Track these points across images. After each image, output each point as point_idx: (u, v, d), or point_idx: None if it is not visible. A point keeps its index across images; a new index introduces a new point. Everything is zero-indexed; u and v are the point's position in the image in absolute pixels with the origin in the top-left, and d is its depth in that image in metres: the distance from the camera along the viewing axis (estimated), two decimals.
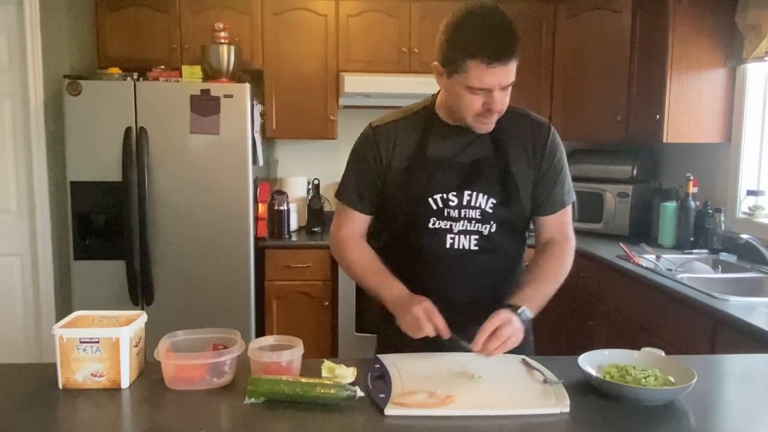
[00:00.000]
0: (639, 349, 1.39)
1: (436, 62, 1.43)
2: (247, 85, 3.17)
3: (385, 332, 1.66)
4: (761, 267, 2.64)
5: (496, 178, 1.51)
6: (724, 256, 2.89)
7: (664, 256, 2.93)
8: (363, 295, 3.44)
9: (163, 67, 3.34)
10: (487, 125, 1.45)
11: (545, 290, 1.50)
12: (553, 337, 3.19)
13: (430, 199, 1.51)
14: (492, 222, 1.52)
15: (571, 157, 3.43)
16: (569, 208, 1.62)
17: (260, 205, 3.42)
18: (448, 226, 1.52)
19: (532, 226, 1.64)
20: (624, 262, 2.83)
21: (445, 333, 1.37)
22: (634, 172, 3.46)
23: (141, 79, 3.20)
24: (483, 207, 1.51)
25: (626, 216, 3.43)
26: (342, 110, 3.81)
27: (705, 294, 2.24)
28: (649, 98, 3.15)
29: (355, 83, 3.51)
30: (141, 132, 3.10)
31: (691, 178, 3.10)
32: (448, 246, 1.53)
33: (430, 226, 1.52)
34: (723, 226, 2.98)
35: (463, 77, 1.36)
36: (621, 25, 3.35)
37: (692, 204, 3.09)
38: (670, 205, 3.18)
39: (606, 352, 1.37)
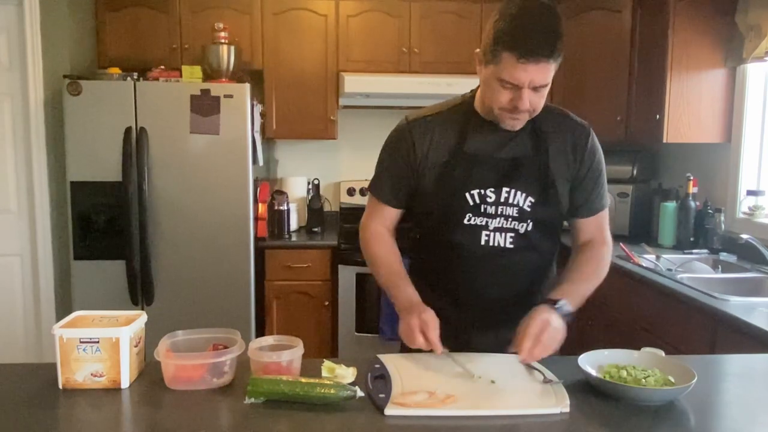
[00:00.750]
0: (639, 349, 1.39)
1: (478, 49, 1.42)
2: (247, 85, 3.17)
3: None
4: (761, 267, 2.64)
5: (534, 177, 1.49)
6: (724, 256, 2.89)
7: (664, 256, 2.93)
8: (363, 295, 3.44)
9: (163, 67, 3.34)
10: (514, 122, 1.43)
11: (583, 288, 1.51)
12: None
13: (467, 195, 1.48)
14: (529, 220, 1.50)
15: None
16: (606, 212, 1.61)
17: (260, 205, 3.42)
18: (483, 223, 1.50)
19: (566, 224, 1.64)
20: (624, 262, 2.82)
21: (438, 349, 1.35)
22: (634, 172, 3.45)
23: (141, 79, 3.20)
24: (521, 205, 1.49)
25: (626, 216, 3.42)
26: (342, 110, 3.81)
27: (705, 294, 2.24)
28: (649, 98, 3.15)
29: (355, 83, 3.51)
30: (141, 132, 3.10)
31: (691, 178, 3.10)
32: (482, 243, 1.50)
33: (466, 222, 1.50)
34: (723, 226, 2.98)
35: (497, 68, 1.35)
36: (621, 25, 3.35)
37: (692, 204, 3.09)
38: (670, 205, 3.17)
39: (606, 352, 1.37)
